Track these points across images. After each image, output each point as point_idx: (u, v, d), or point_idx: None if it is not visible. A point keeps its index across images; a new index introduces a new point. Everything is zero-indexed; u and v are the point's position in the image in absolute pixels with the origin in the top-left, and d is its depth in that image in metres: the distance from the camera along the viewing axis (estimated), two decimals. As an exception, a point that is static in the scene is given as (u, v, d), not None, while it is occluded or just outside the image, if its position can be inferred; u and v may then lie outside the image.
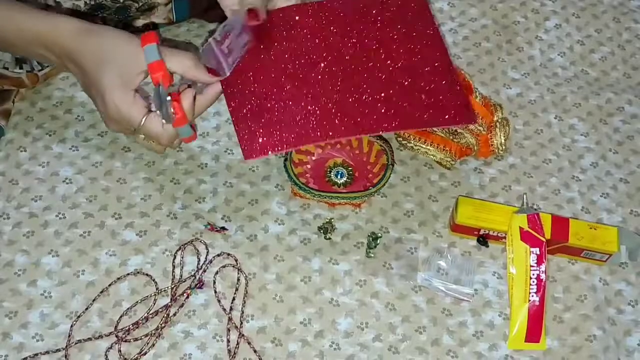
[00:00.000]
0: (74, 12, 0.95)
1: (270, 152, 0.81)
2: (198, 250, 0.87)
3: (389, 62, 0.86)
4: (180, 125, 0.80)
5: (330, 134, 0.82)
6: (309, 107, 0.83)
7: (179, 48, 0.82)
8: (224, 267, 0.86)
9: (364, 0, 0.90)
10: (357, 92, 0.84)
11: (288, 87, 0.84)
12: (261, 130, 0.82)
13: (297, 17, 0.88)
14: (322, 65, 0.86)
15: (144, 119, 0.80)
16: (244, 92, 0.84)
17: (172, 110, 0.78)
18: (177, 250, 0.87)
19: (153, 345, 0.81)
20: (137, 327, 0.82)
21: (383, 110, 0.83)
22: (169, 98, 0.77)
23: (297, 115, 0.82)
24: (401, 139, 0.95)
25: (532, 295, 0.85)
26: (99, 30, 0.81)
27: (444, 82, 0.86)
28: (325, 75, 0.85)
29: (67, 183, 0.91)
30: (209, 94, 0.83)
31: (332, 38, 0.87)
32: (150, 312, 0.83)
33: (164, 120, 0.79)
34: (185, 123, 0.80)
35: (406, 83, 0.85)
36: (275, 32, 0.87)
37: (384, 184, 0.90)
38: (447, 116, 0.84)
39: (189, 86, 0.82)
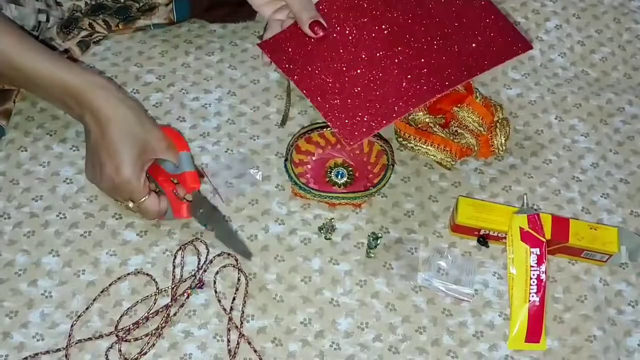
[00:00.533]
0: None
1: (369, 133, 0.84)
2: (198, 250, 0.87)
3: (436, 20, 0.89)
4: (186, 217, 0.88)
5: (410, 102, 0.85)
6: (380, 84, 0.86)
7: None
8: (224, 267, 0.86)
9: None
10: (417, 57, 0.87)
11: (357, 72, 0.87)
12: (352, 115, 0.85)
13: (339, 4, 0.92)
14: (378, 44, 0.88)
15: (145, 198, 0.84)
16: (320, 86, 0.87)
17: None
18: (178, 250, 0.87)
19: (153, 345, 0.81)
20: (138, 327, 0.82)
21: (445, 66, 0.86)
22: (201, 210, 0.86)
23: (376, 93, 0.86)
24: (401, 139, 0.95)
25: (533, 296, 0.85)
26: (129, 101, 0.84)
27: (490, 20, 0.89)
28: (383, 51, 0.88)
29: (68, 183, 0.91)
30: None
31: (380, 14, 0.91)
32: (151, 311, 0.83)
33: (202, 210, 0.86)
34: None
35: (454, 36, 0.88)
36: (330, 21, 0.91)
37: (385, 184, 0.90)
38: (505, 52, 0.86)
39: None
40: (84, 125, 0.84)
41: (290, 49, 0.91)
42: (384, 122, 0.84)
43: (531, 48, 0.88)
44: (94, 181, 0.86)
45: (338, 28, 0.90)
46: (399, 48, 0.88)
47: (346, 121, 0.85)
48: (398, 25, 0.89)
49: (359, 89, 0.86)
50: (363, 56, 0.88)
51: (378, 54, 0.88)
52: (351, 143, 0.84)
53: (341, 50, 0.89)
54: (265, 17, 0.96)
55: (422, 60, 0.87)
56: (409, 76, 0.86)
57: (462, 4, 0.90)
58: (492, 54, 0.87)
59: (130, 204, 0.85)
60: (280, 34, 0.92)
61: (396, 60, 0.87)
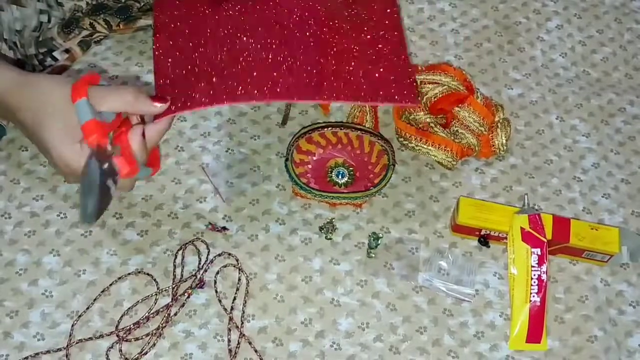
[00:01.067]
0: (17, 61, 0.90)
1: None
2: (199, 250, 0.87)
3: (335, 33, 0.86)
4: (133, 176, 0.75)
5: (265, 94, 0.79)
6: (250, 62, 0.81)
7: (119, 82, 0.78)
8: (224, 266, 0.86)
9: None
10: (293, 58, 0.82)
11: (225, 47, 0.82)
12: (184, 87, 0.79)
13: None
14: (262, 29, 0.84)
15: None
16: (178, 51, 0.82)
17: (117, 168, 0.73)
18: (178, 250, 0.87)
19: (154, 344, 0.81)
20: (138, 327, 0.82)
21: (315, 80, 0.81)
22: (106, 165, 0.72)
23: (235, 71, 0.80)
24: (402, 139, 0.95)
25: (533, 296, 0.85)
26: (34, 81, 0.74)
27: (391, 60, 0.85)
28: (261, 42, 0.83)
29: (65, 181, 0.91)
30: (159, 122, 0.77)
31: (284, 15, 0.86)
32: (151, 311, 0.83)
33: (113, 186, 0.73)
34: (137, 172, 0.75)
35: (350, 55, 0.84)
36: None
37: (385, 184, 0.90)
38: (383, 92, 0.82)
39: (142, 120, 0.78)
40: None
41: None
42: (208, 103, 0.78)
43: (416, 105, 0.84)
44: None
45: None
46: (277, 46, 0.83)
47: (175, 91, 0.77)
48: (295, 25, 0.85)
49: (217, 63, 0.80)
50: (245, 35, 0.82)
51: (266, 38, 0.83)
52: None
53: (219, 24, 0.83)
54: None
55: (307, 58, 0.83)
56: (281, 68, 0.81)
57: (372, 38, 0.87)
58: (376, 90, 0.83)
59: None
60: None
61: (273, 46, 0.82)
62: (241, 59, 0.81)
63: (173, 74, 0.81)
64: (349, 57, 0.85)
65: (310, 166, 0.94)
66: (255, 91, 0.78)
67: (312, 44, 0.84)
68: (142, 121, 0.79)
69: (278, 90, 0.79)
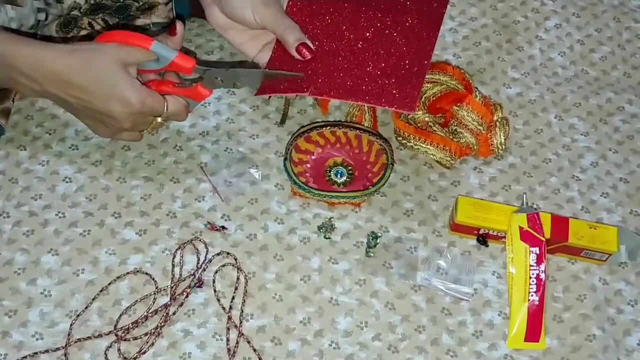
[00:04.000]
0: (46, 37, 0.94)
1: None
2: (197, 249, 0.87)
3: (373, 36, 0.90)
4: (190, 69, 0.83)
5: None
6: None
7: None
8: (223, 266, 0.86)
9: None
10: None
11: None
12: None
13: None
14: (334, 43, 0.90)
15: (166, 103, 0.83)
16: (332, 80, 0.87)
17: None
18: (177, 249, 0.87)
19: (152, 344, 0.81)
20: (137, 326, 0.82)
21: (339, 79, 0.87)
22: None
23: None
24: (401, 138, 0.95)
25: (532, 295, 0.85)
26: (80, 46, 0.80)
27: (408, 69, 0.88)
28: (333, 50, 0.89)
29: (67, 182, 0.91)
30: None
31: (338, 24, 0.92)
32: (150, 311, 0.83)
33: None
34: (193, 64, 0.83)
35: (371, 63, 0.88)
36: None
37: (384, 184, 0.90)
38: (385, 99, 0.85)
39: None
40: (52, 98, 0.83)
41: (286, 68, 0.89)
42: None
43: (413, 111, 0.86)
44: (123, 131, 0.86)
45: (314, 28, 0.91)
46: (366, 34, 0.89)
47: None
48: (354, 13, 0.91)
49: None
50: (349, 44, 0.89)
51: (357, 40, 0.89)
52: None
53: (328, 45, 0.89)
54: (251, 57, 0.93)
55: (390, 35, 0.89)
56: (397, 44, 0.88)
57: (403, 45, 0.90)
58: (379, 93, 0.86)
59: (159, 119, 0.86)
60: (268, 67, 0.90)
61: (376, 40, 0.89)
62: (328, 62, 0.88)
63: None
64: (376, 56, 0.89)
65: (308, 165, 0.94)
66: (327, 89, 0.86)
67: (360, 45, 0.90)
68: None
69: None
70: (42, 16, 0.93)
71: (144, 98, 0.81)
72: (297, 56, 0.87)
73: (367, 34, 0.90)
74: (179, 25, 0.85)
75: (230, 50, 1.04)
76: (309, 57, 0.87)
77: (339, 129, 0.92)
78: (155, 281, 0.85)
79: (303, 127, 0.94)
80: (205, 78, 0.85)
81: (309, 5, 0.92)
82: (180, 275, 0.85)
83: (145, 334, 0.81)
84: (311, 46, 0.87)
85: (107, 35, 0.82)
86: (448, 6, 1.09)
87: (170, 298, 0.83)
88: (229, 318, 0.83)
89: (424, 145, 0.94)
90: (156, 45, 0.81)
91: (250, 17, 0.86)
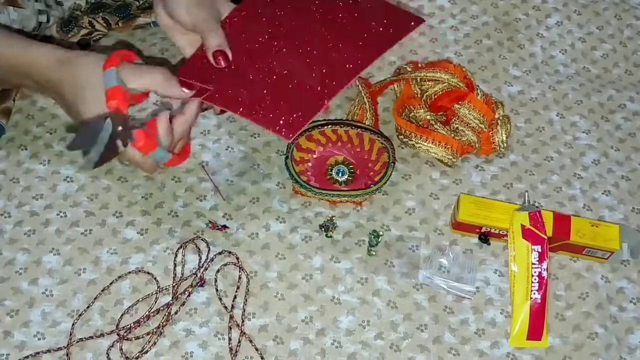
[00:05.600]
0: (50, 39, 0.95)
1: (305, 124, 0.81)
2: (199, 249, 0.87)
3: (333, 17, 0.89)
4: (148, 152, 0.79)
5: (326, 93, 0.83)
6: (297, 84, 0.84)
7: (154, 63, 0.82)
8: (225, 265, 0.86)
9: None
10: (322, 55, 0.86)
11: (271, 77, 0.85)
12: (280, 113, 0.82)
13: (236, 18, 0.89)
14: (284, 49, 0.87)
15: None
16: (239, 96, 0.83)
17: (130, 138, 0.77)
18: (179, 249, 0.87)
19: (154, 343, 0.81)
20: (139, 326, 0.82)
21: (348, 56, 0.85)
22: (120, 128, 0.76)
23: (295, 92, 0.83)
24: (402, 136, 0.95)
25: (534, 293, 0.85)
26: (74, 57, 0.79)
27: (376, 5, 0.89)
28: (290, 55, 0.86)
29: (68, 181, 0.91)
30: (188, 111, 0.82)
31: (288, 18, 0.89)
32: (152, 310, 0.83)
33: (121, 147, 0.77)
34: (152, 150, 0.79)
35: (350, 27, 0.88)
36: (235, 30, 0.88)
37: (385, 182, 0.90)
38: (399, 30, 0.86)
39: (169, 108, 0.82)
40: (59, 105, 0.83)
41: (203, 70, 0.86)
42: (312, 113, 0.82)
43: (423, 21, 0.87)
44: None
45: (246, 41, 0.88)
46: (307, 48, 0.87)
47: (280, 121, 0.81)
48: (300, 29, 0.88)
49: (276, 91, 0.84)
50: (273, 62, 0.86)
51: (287, 59, 0.86)
52: (290, 136, 0.81)
53: (252, 60, 0.86)
54: (180, 48, 0.90)
55: (328, 55, 0.86)
56: (321, 71, 0.85)
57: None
58: (387, 35, 0.87)
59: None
60: (191, 59, 0.87)
61: (307, 60, 0.86)
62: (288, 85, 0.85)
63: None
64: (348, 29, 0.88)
65: (310, 164, 0.94)
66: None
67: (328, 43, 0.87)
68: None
69: (328, 91, 0.83)
70: (43, 18, 0.93)
71: None
72: (212, 61, 0.84)
73: (304, 50, 0.88)
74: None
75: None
76: (223, 65, 0.84)
77: (340, 127, 0.92)
78: (157, 280, 0.85)
79: (304, 125, 0.94)
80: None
81: (253, 17, 0.89)
82: (182, 274, 0.85)
83: (147, 334, 0.81)
84: (228, 56, 0.84)
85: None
86: (449, 4, 1.09)
87: (172, 297, 0.83)
88: (231, 317, 0.83)
89: (425, 144, 0.94)
90: (110, 71, 0.78)
91: (185, 16, 0.84)
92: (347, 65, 0.85)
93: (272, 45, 0.87)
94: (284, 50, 0.87)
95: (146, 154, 0.79)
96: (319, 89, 0.84)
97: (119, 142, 0.77)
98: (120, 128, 0.76)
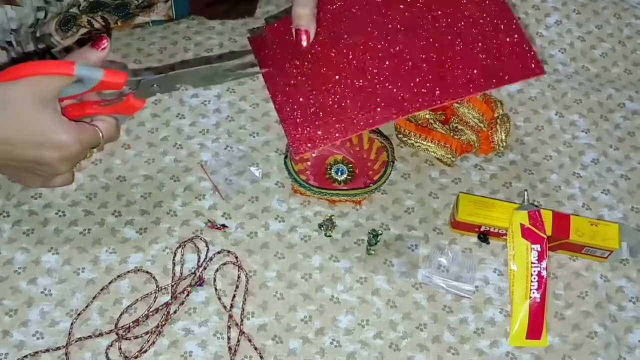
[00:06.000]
0: None
1: (319, 146, 0.80)
2: (198, 248, 0.87)
3: (436, 28, 0.81)
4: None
5: (373, 120, 0.79)
6: (348, 97, 0.81)
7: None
8: (224, 264, 0.86)
9: None
10: (401, 71, 0.80)
11: (332, 79, 0.82)
12: (308, 125, 0.81)
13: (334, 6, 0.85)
14: (362, 49, 0.82)
15: (100, 132, 0.75)
16: (288, 88, 0.83)
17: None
18: (178, 248, 0.87)
19: (153, 342, 0.81)
20: (138, 325, 0.82)
21: (430, 84, 0.79)
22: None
23: (340, 106, 0.81)
24: (401, 135, 0.95)
25: (533, 292, 0.85)
26: None
27: (503, 38, 0.79)
28: (365, 60, 0.82)
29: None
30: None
31: (373, 13, 0.84)
32: (151, 309, 0.82)
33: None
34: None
35: (458, 48, 0.80)
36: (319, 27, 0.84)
37: (385, 181, 0.90)
38: (508, 75, 0.78)
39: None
40: None
41: (277, 40, 0.85)
42: (335, 138, 0.80)
43: (543, 74, 0.78)
44: (47, 180, 0.77)
45: (332, 32, 0.83)
46: (395, 60, 0.81)
47: (300, 131, 0.80)
48: (398, 33, 0.82)
49: (326, 99, 0.81)
50: (353, 63, 0.81)
51: (368, 65, 0.81)
52: (296, 157, 0.81)
53: (328, 53, 0.82)
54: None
55: (418, 73, 0.80)
56: (396, 89, 0.79)
57: (471, 19, 0.81)
58: (499, 71, 0.78)
59: (95, 150, 0.77)
60: (272, 27, 0.86)
61: (387, 74, 0.80)
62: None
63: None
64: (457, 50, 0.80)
65: (309, 163, 0.93)
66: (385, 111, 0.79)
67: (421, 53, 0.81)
68: None
69: (405, 105, 0.79)
70: (41, 14, 0.93)
71: (78, 135, 0.71)
72: (294, 36, 0.81)
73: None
74: (105, 39, 0.76)
75: (230, 48, 1.03)
76: (304, 45, 0.81)
77: (340, 126, 0.92)
78: (156, 280, 0.85)
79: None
80: (139, 88, 0.76)
81: (356, 5, 0.84)
82: (181, 273, 0.85)
83: (146, 333, 0.81)
84: (310, 37, 0.81)
85: (12, 70, 0.69)
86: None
87: (171, 297, 0.83)
88: (230, 316, 0.83)
89: (424, 143, 0.94)
90: (80, 67, 0.70)
91: None
92: (427, 92, 0.78)
93: (355, 46, 0.82)
94: (364, 56, 0.81)
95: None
96: (362, 114, 0.79)
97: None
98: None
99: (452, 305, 0.86)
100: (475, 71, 0.79)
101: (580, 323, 0.86)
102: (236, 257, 0.87)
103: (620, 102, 1.04)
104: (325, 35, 0.84)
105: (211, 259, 0.86)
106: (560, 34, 1.10)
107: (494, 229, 0.89)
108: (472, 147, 0.95)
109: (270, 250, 0.88)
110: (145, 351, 0.80)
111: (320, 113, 0.81)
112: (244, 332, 0.82)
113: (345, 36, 0.83)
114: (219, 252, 0.87)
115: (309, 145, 0.81)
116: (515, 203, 0.91)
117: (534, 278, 0.85)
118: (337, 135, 0.80)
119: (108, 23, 0.99)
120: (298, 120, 0.82)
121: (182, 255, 0.86)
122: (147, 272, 0.85)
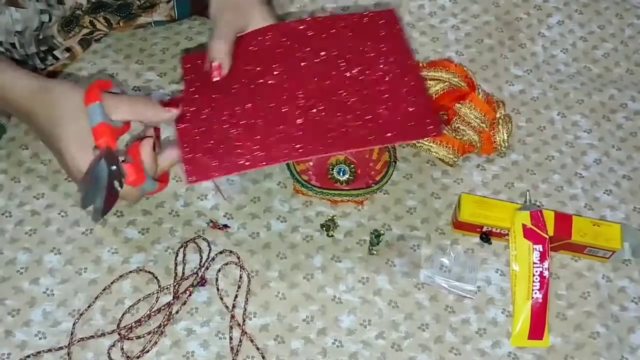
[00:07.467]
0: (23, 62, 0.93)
1: (212, 176, 0.79)
2: (200, 248, 0.87)
3: (349, 79, 0.84)
4: (138, 185, 0.77)
5: (273, 158, 0.79)
6: (259, 130, 0.81)
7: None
8: (226, 264, 0.86)
9: (330, 18, 0.90)
10: (312, 112, 0.82)
11: (240, 110, 0.82)
12: (205, 154, 0.79)
13: (258, 39, 0.87)
14: (273, 82, 0.84)
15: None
16: (197, 115, 0.82)
17: (125, 173, 0.75)
18: (180, 248, 0.87)
19: (156, 342, 0.81)
20: (140, 325, 0.82)
21: (335, 133, 0.80)
22: (114, 167, 0.74)
23: (242, 140, 0.80)
24: (403, 136, 0.95)
25: (535, 293, 0.85)
26: (50, 87, 0.77)
27: (409, 96, 0.82)
28: (279, 95, 0.83)
29: (69, 181, 0.90)
30: (173, 151, 0.80)
31: (290, 57, 0.86)
32: (153, 309, 0.83)
33: (118, 187, 0.75)
34: (142, 182, 0.77)
35: (362, 101, 0.82)
36: (238, 57, 0.86)
37: (387, 181, 0.90)
38: (414, 130, 0.81)
39: (154, 131, 0.80)
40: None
41: (195, 69, 0.86)
42: (231, 170, 0.79)
43: (440, 135, 0.85)
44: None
45: (253, 67, 0.85)
46: (301, 103, 0.83)
47: (197, 158, 0.79)
48: (310, 78, 0.84)
49: (228, 132, 0.81)
50: (261, 102, 0.83)
51: (277, 105, 0.83)
52: (187, 183, 0.79)
53: (239, 89, 0.84)
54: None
55: (323, 120, 0.81)
56: (300, 132, 0.80)
57: (383, 76, 0.84)
58: (400, 127, 0.80)
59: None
60: (190, 56, 0.88)
61: (294, 114, 0.82)
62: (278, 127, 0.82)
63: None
64: (365, 104, 0.83)
65: (311, 163, 0.93)
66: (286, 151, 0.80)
67: (332, 99, 0.83)
68: (157, 135, 0.81)
69: (301, 150, 0.80)
70: (45, 18, 0.93)
71: (79, 166, 0.75)
72: (208, 68, 0.83)
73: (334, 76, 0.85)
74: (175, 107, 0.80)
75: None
76: (216, 78, 0.83)
77: (342, 127, 0.92)
78: (158, 280, 0.85)
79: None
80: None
81: (271, 44, 0.86)
82: (183, 273, 0.85)
83: (149, 333, 0.81)
84: (222, 72, 0.83)
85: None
86: (450, 3, 1.09)
87: (173, 297, 0.83)
88: (232, 316, 0.83)
89: (426, 143, 0.94)
90: (90, 108, 0.75)
91: (212, 4, 0.86)
92: (329, 138, 0.79)
93: (266, 86, 0.84)
94: (273, 97, 0.83)
95: (136, 186, 0.77)
96: (263, 152, 0.79)
97: (116, 183, 0.74)
98: (114, 167, 0.74)
99: (454, 305, 0.86)
100: (373, 125, 0.81)
101: (583, 323, 0.86)
102: (238, 257, 0.87)
103: (623, 102, 1.04)
104: (240, 71, 0.85)
105: (213, 259, 0.86)
106: (563, 34, 1.10)
107: (496, 229, 0.89)
108: (474, 148, 0.95)
109: (272, 250, 0.88)
110: (148, 351, 0.80)
111: (221, 145, 0.80)
112: (246, 332, 0.82)
113: (259, 75, 0.85)
114: (221, 252, 0.87)
115: (201, 174, 0.78)
116: (517, 203, 0.91)
117: (536, 278, 0.85)
118: (233, 168, 0.79)
119: (110, 24, 0.99)
120: (197, 147, 0.80)
121: (184, 255, 0.86)
122: (149, 272, 0.85)
